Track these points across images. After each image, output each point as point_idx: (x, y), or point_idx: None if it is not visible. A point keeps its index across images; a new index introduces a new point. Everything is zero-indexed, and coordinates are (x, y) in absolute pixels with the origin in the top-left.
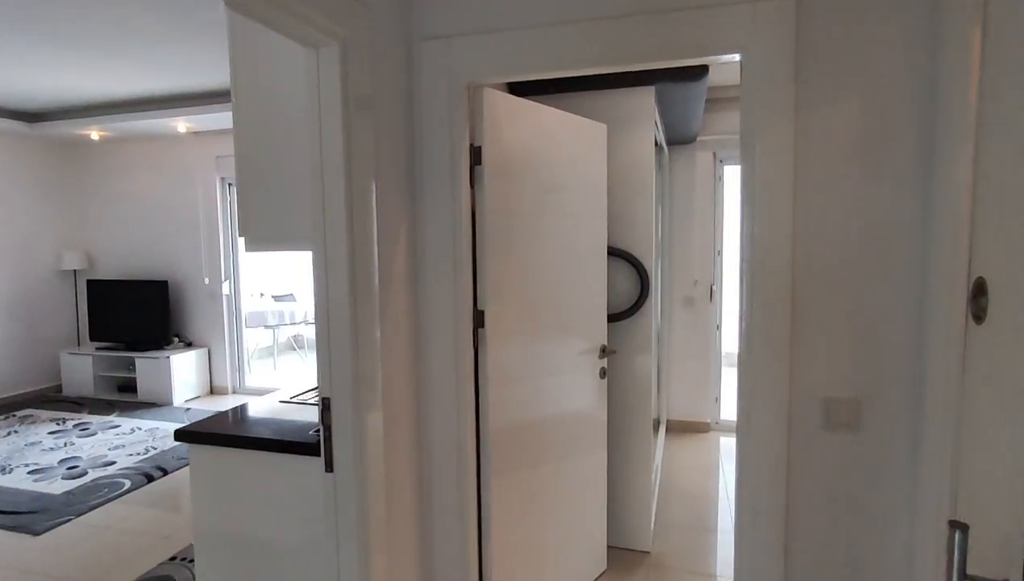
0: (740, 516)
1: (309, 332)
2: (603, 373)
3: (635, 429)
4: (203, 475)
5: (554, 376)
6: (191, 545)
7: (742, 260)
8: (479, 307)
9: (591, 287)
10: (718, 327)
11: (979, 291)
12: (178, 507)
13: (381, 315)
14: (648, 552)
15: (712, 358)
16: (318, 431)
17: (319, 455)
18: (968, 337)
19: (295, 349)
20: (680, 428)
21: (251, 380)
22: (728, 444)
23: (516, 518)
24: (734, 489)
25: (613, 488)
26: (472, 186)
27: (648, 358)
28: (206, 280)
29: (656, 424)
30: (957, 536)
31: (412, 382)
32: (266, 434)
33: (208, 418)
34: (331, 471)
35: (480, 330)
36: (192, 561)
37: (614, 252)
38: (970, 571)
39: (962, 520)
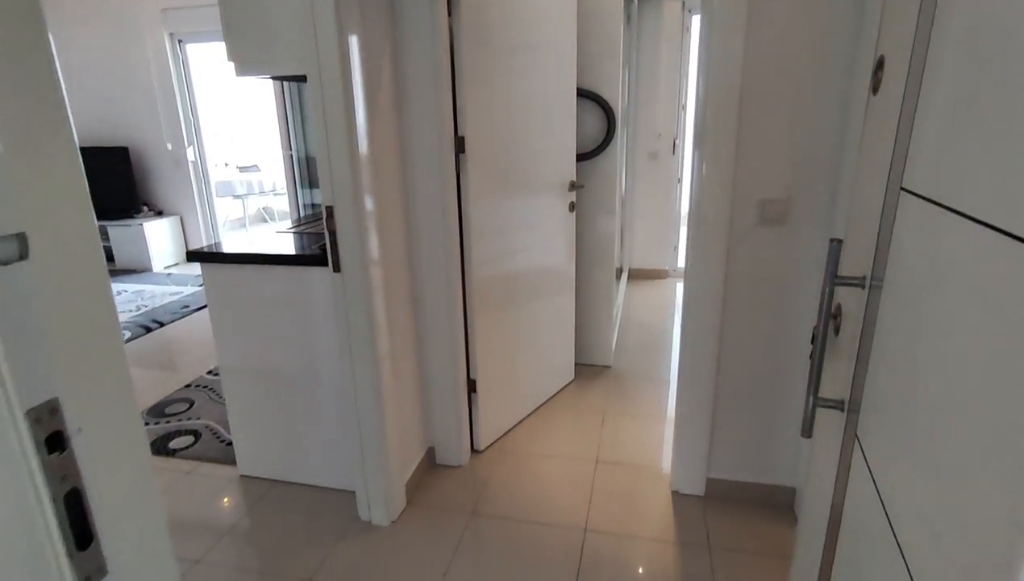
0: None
1: (279, 203)
2: (571, 207)
3: (600, 266)
4: (218, 294)
5: (528, 202)
6: (202, 376)
7: (698, 87)
8: (459, 133)
9: (561, 123)
10: (679, 180)
11: (879, 67)
12: (183, 352)
13: (370, 133)
14: (609, 366)
15: (672, 210)
16: (322, 247)
17: (327, 264)
18: (867, 108)
19: (266, 221)
20: (640, 276)
21: (227, 249)
22: (681, 289)
23: (497, 335)
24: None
25: (580, 320)
26: (450, 14)
27: (612, 196)
28: (168, 146)
29: (619, 272)
30: (834, 246)
31: (402, 201)
32: (275, 252)
33: (213, 244)
34: (339, 271)
35: (461, 156)
36: (207, 387)
37: (583, 93)
38: (840, 273)
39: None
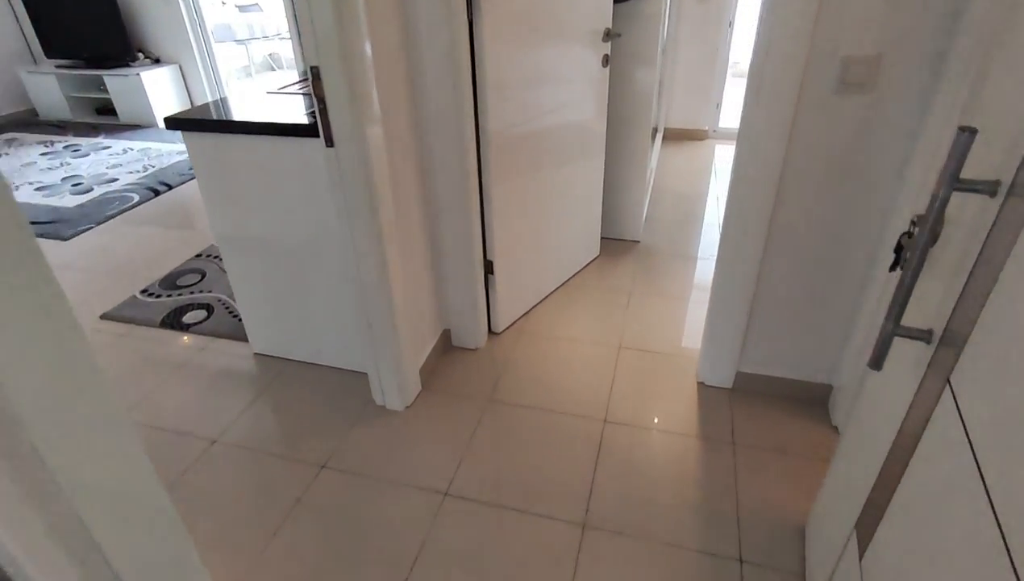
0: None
1: (286, 49)
2: (606, 60)
3: (634, 132)
4: (205, 165)
5: (554, 52)
6: (212, 245)
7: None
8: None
9: None
10: (730, 24)
11: None
12: (191, 217)
13: None
14: (638, 241)
15: (719, 61)
16: (314, 113)
17: (318, 136)
18: None
19: (273, 69)
20: (678, 137)
21: (215, 112)
22: (723, 152)
23: (515, 195)
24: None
25: (608, 188)
26: None
27: (654, 47)
28: None
29: (654, 132)
30: (962, 139)
31: (404, 54)
32: (262, 119)
33: (197, 107)
34: (331, 145)
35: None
36: (218, 257)
37: None
38: (964, 174)
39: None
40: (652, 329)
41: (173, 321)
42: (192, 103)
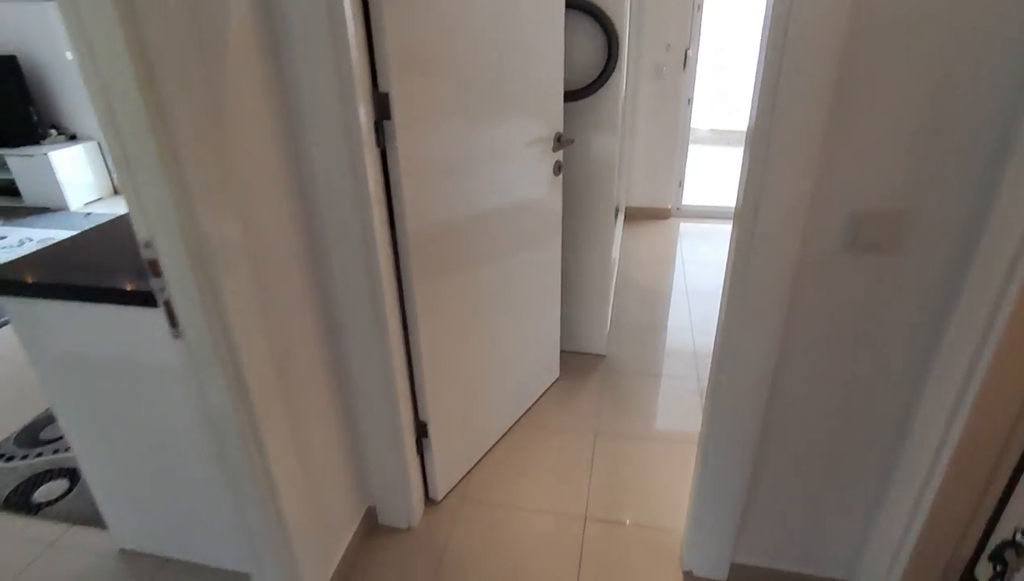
0: (722, 353)
1: None
2: (558, 168)
3: (594, 227)
4: (29, 334)
5: (494, 175)
6: None
7: (768, 6)
8: (381, 89)
9: (542, 56)
10: (689, 101)
11: None
12: None
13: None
14: (603, 355)
15: (679, 138)
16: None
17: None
18: None
19: None
20: (640, 215)
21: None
22: (688, 230)
23: (453, 334)
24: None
25: (568, 290)
26: None
27: (613, 143)
28: (68, 55)
29: (615, 213)
30: None
31: (292, 208)
32: (92, 278)
33: (43, 250)
34: (177, 332)
35: (386, 122)
36: None
37: (573, 4)
38: None
39: None
40: (624, 489)
41: (20, 499)
42: (114, 184)
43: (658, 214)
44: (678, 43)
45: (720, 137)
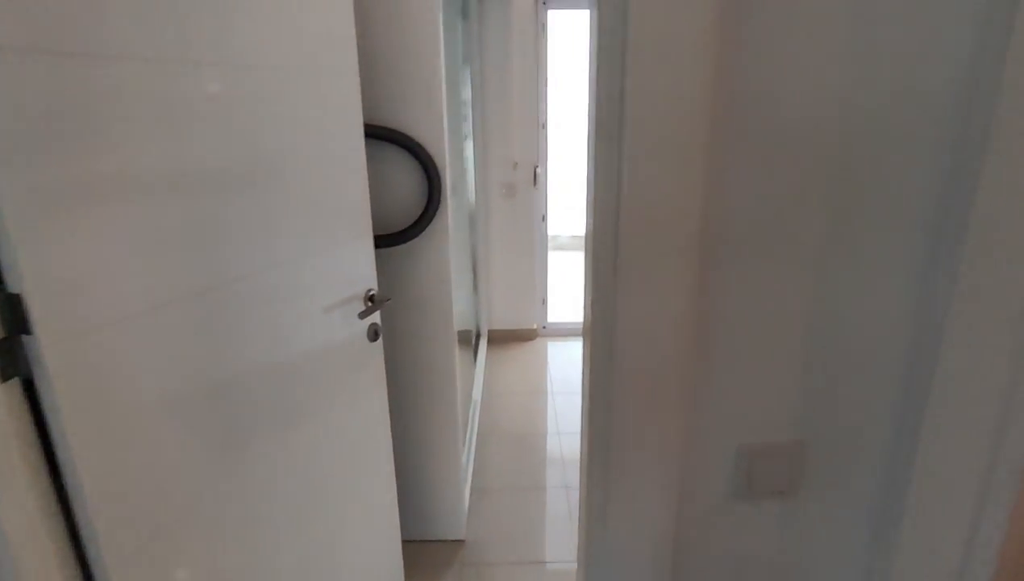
0: None
1: None
2: (375, 333)
3: (436, 385)
4: None
5: (270, 388)
6: None
7: (589, 202)
8: (8, 289)
9: (339, 196)
10: (544, 218)
11: None
12: None
13: None
14: (462, 541)
15: (537, 255)
16: None
17: None
18: None
19: None
20: (504, 339)
21: None
22: (556, 351)
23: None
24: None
25: (408, 465)
26: None
27: (445, 290)
28: None
29: (475, 339)
30: None
31: None
32: None
33: None
34: None
35: (23, 338)
36: None
37: (383, 135)
38: None
39: None
40: None
41: None
42: None
43: (523, 336)
44: (526, 161)
45: (582, 243)
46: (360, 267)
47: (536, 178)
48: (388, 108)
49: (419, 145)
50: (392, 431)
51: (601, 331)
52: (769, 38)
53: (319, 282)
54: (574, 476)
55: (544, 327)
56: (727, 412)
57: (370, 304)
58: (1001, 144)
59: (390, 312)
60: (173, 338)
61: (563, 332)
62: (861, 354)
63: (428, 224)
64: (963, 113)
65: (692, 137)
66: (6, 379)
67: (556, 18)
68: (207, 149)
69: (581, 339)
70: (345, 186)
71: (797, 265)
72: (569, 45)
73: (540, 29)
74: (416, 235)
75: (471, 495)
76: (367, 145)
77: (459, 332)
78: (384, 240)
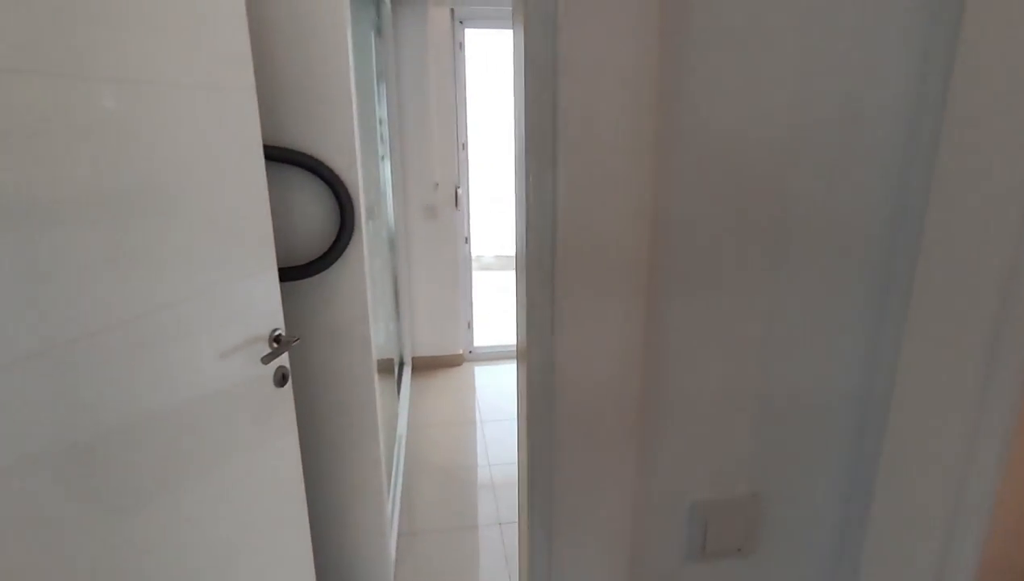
0: None
1: None
2: (282, 378)
3: (354, 430)
4: None
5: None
6: None
7: (519, 219)
8: None
9: (238, 224)
10: (467, 240)
11: None
12: None
13: None
14: None
15: (462, 278)
16: None
17: None
18: None
19: None
20: (429, 366)
21: None
22: (484, 377)
23: None
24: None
25: (325, 523)
26: None
27: (364, 327)
28: None
29: (399, 369)
30: None
31: None
32: None
33: None
34: None
35: None
36: None
37: (287, 158)
38: None
39: None
40: None
41: None
42: None
43: (450, 362)
44: (447, 181)
45: (507, 262)
46: (263, 304)
47: (458, 199)
48: (295, 129)
49: (329, 169)
50: (308, 478)
51: (538, 367)
52: (711, 58)
53: (215, 324)
54: (507, 511)
55: (471, 352)
56: (679, 463)
57: (275, 346)
58: (946, 169)
59: (302, 349)
60: (28, 397)
61: (491, 356)
62: (814, 395)
63: (341, 253)
64: (908, 138)
65: (633, 160)
66: None
67: (474, 36)
68: (84, 173)
69: (510, 363)
70: (245, 214)
71: (746, 298)
72: (488, 62)
73: (457, 47)
74: (328, 266)
75: (399, 539)
76: (273, 169)
77: (380, 361)
78: (292, 272)
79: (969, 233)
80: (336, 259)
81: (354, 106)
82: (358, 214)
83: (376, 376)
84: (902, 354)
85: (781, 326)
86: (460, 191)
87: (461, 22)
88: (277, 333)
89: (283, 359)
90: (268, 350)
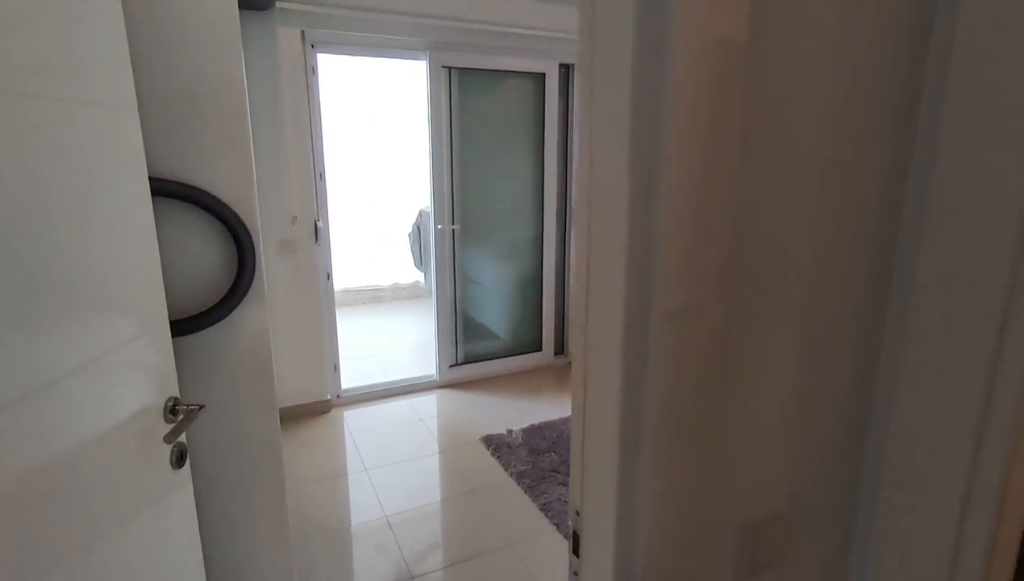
0: None
1: None
2: (180, 456)
3: (256, 509)
4: None
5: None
6: None
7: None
8: None
9: (121, 274)
10: (329, 276)
11: None
12: None
13: None
14: None
15: (326, 318)
16: None
17: None
18: None
19: None
20: (296, 415)
21: None
22: (357, 421)
23: None
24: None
25: None
26: None
27: (269, 381)
28: None
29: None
30: None
31: None
32: None
33: None
34: None
35: None
36: None
37: (175, 194)
38: None
39: None
40: None
41: None
42: None
43: (318, 409)
44: (306, 214)
45: (363, 296)
46: (156, 368)
47: (318, 233)
48: (183, 160)
49: (224, 204)
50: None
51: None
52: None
53: (92, 406)
54: (416, 564)
55: (339, 396)
56: (738, 492)
57: (173, 418)
58: (947, 169)
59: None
60: None
61: (361, 398)
62: (831, 407)
63: (241, 300)
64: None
65: (725, 194)
66: None
67: (327, 62)
68: None
69: (384, 402)
70: (132, 259)
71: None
72: (343, 89)
73: (310, 72)
74: (226, 315)
75: None
76: (158, 206)
77: None
78: (185, 326)
79: (969, 233)
80: (235, 306)
81: (249, 133)
82: (259, 254)
83: (281, 441)
84: (904, 366)
85: (809, 344)
86: (319, 224)
87: (312, 46)
88: (173, 403)
89: (181, 438)
90: (166, 428)
